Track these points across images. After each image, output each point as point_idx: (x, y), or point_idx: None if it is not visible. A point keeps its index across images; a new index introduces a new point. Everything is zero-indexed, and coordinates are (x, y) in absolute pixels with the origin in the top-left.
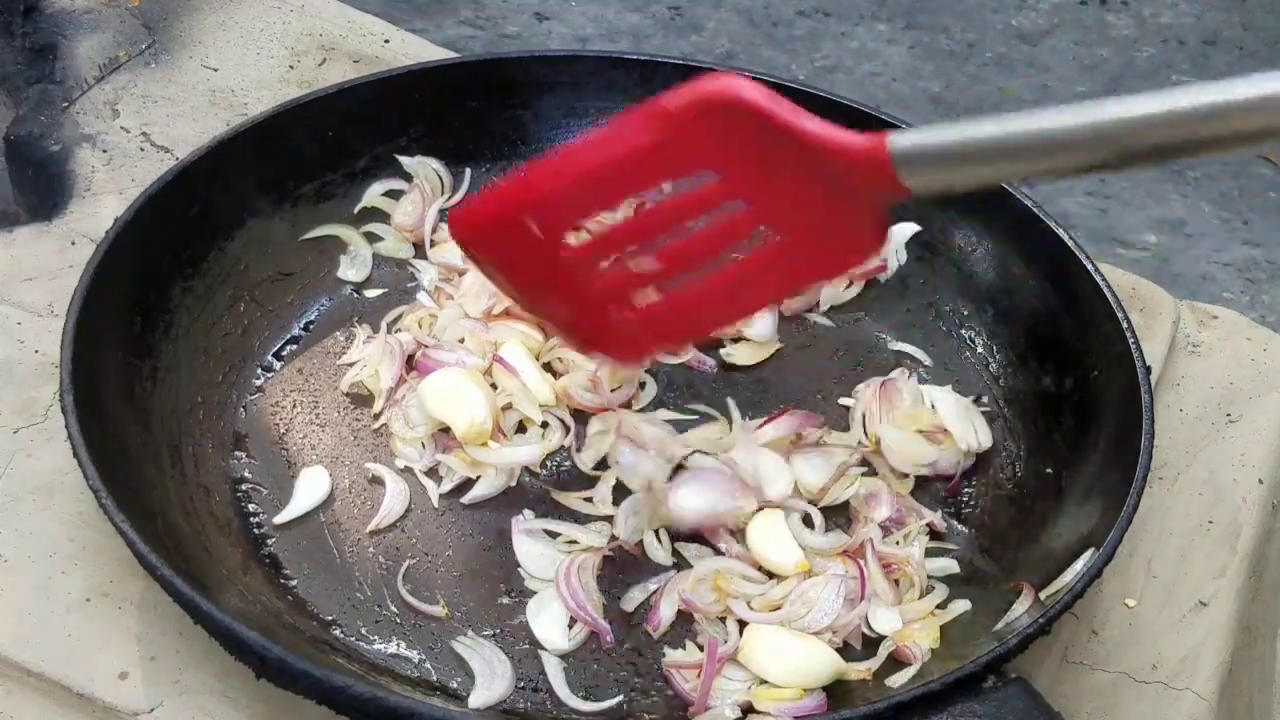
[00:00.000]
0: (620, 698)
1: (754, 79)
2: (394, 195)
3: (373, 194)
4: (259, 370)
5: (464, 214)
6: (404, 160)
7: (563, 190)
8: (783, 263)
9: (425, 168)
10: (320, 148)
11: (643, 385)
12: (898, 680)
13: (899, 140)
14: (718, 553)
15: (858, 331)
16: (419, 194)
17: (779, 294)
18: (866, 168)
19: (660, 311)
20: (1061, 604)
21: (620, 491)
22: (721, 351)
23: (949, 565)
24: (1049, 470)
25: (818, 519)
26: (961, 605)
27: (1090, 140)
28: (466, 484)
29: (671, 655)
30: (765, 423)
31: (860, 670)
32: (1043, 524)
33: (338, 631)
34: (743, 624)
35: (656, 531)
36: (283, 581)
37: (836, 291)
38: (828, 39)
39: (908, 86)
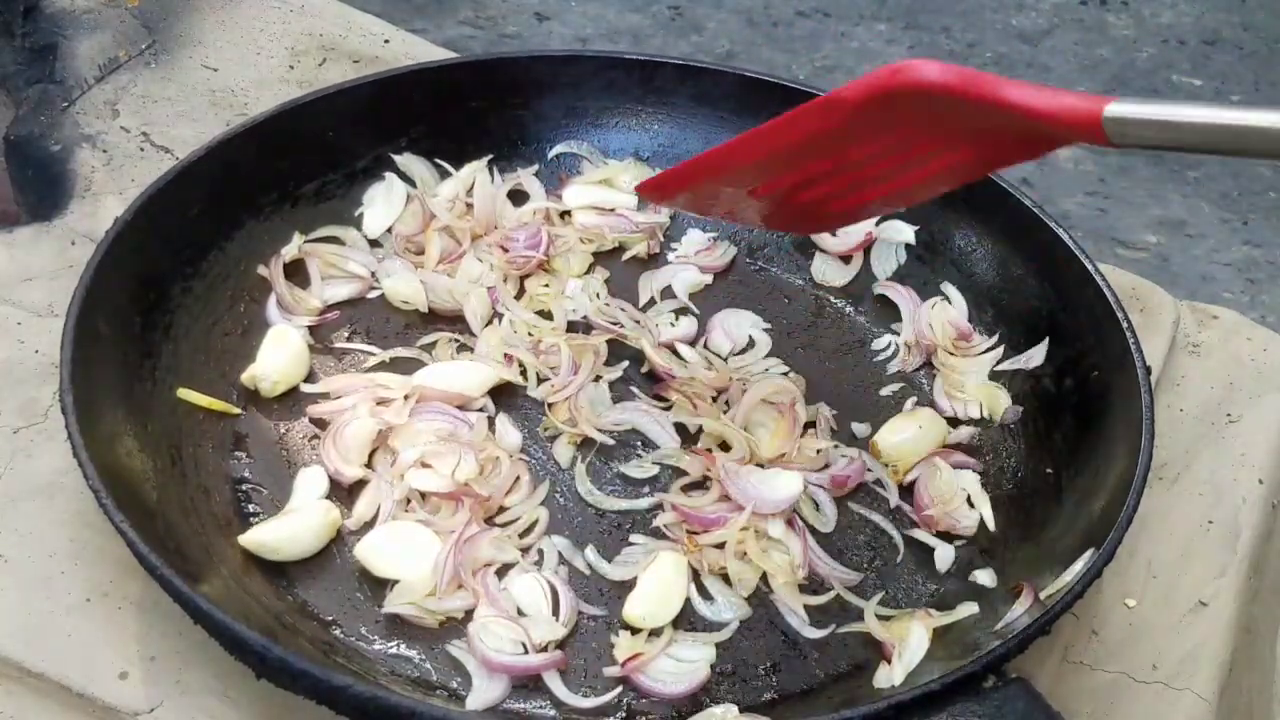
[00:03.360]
0: (618, 695)
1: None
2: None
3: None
4: None
5: (655, 184)
6: (395, 159)
7: (754, 167)
8: (945, 170)
9: (417, 165)
10: (320, 148)
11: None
12: (890, 675)
13: (1114, 109)
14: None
15: (857, 330)
16: (419, 204)
17: (934, 188)
18: (1077, 127)
19: (832, 201)
20: (1061, 604)
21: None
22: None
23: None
24: (1049, 470)
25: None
26: (968, 608)
27: None
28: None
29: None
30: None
31: None
32: (1043, 524)
33: (338, 631)
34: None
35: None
36: (283, 581)
37: (837, 270)
38: (828, 39)
39: None
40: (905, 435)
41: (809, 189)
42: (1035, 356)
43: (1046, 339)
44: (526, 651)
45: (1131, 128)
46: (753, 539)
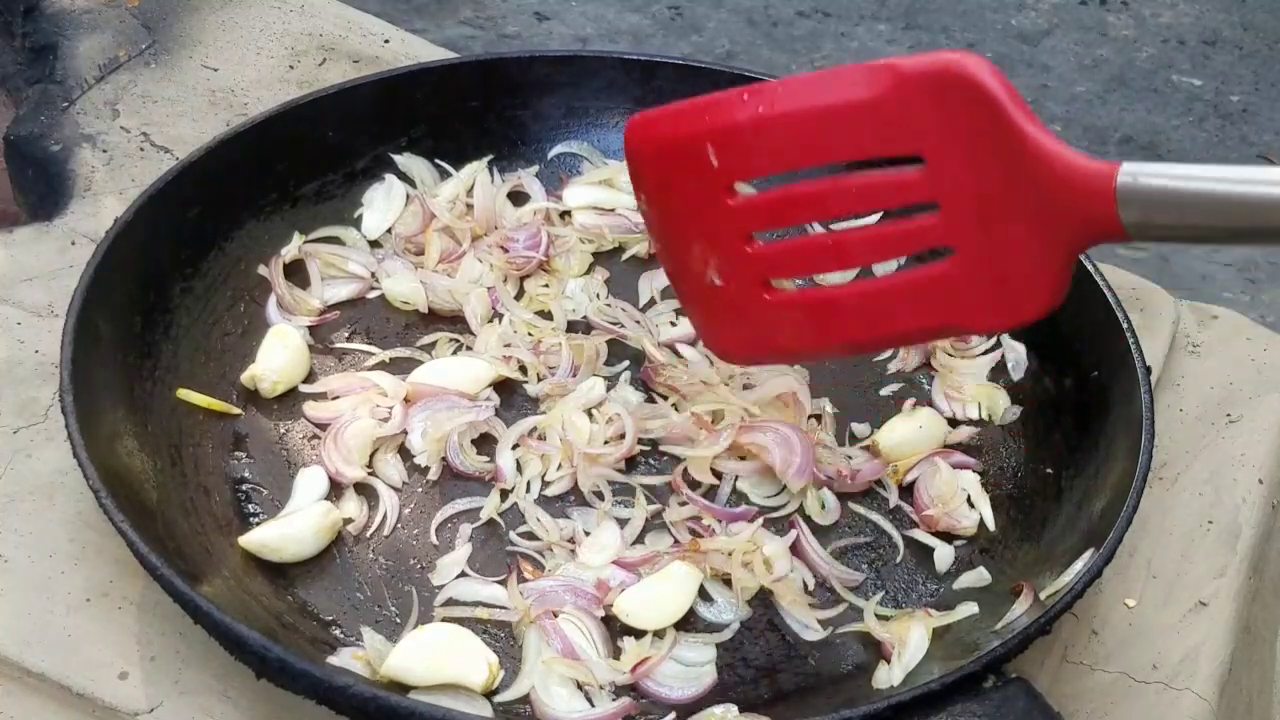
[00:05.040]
0: (621, 696)
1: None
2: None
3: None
4: None
5: (644, 121)
6: (395, 159)
7: (761, 126)
8: (943, 290)
9: (417, 165)
10: (320, 148)
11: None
12: (890, 675)
13: (1130, 170)
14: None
15: None
16: (419, 204)
17: (922, 327)
18: (1085, 191)
19: (791, 305)
20: (1061, 604)
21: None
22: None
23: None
24: (1049, 470)
25: None
26: (968, 609)
27: None
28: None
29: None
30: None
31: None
32: (1043, 524)
33: (338, 631)
34: None
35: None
36: (283, 581)
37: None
38: (828, 39)
39: None
40: (905, 435)
41: (792, 219)
42: (1019, 368)
43: (1024, 348)
44: (588, 698)
45: (1150, 195)
46: (759, 558)
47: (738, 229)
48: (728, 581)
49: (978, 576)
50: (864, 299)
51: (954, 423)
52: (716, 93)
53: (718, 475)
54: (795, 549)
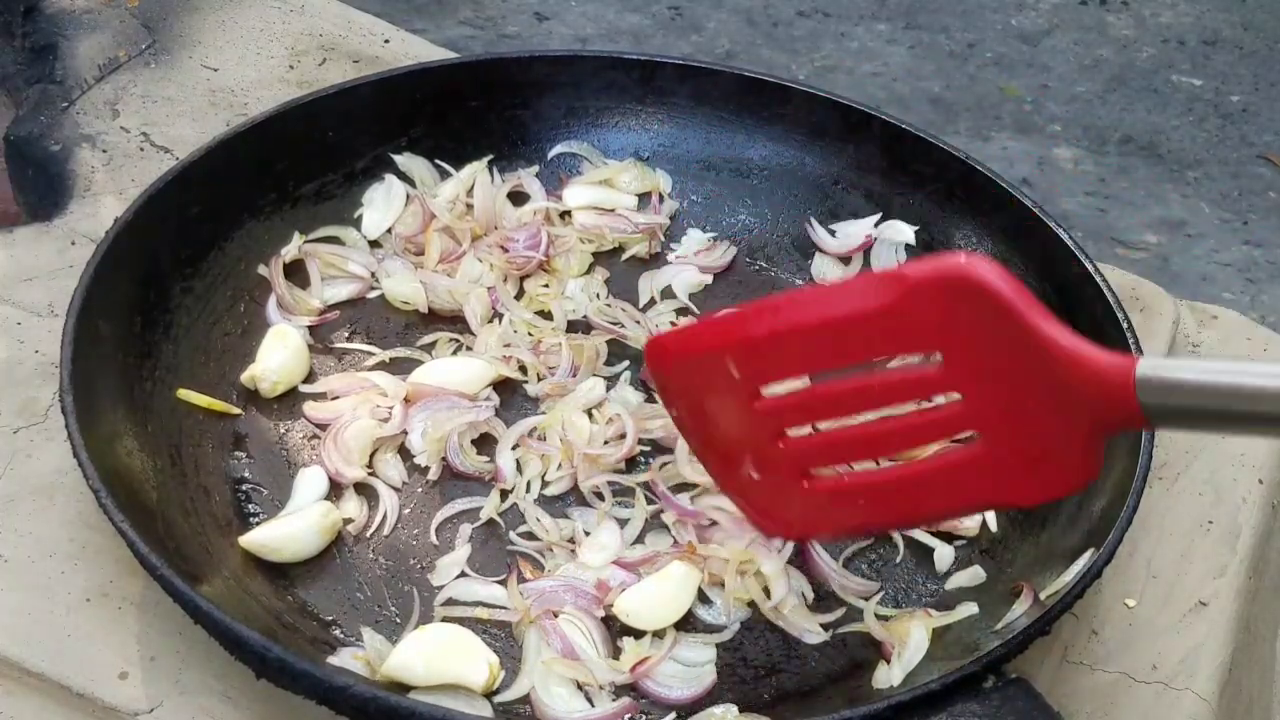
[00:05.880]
0: (621, 697)
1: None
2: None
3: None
4: None
5: (665, 340)
6: (395, 159)
7: (776, 338)
8: (976, 471)
9: (417, 165)
10: (320, 148)
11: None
12: (890, 675)
13: (1149, 366)
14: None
15: None
16: (419, 204)
17: (961, 506)
18: (1105, 384)
19: (831, 492)
20: (1061, 604)
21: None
22: None
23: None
24: None
25: None
26: (968, 609)
27: None
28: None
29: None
30: None
31: None
32: (1043, 524)
33: (338, 631)
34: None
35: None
36: (283, 581)
37: (836, 270)
38: (828, 39)
39: (908, 86)
40: None
41: (820, 417)
42: None
43: None
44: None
45: (1169, 389)
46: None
47: (768, 428)
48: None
49: (972, 575)
50: (902, 483)
51: None
52: (730, 311)
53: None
54: (805, 559)
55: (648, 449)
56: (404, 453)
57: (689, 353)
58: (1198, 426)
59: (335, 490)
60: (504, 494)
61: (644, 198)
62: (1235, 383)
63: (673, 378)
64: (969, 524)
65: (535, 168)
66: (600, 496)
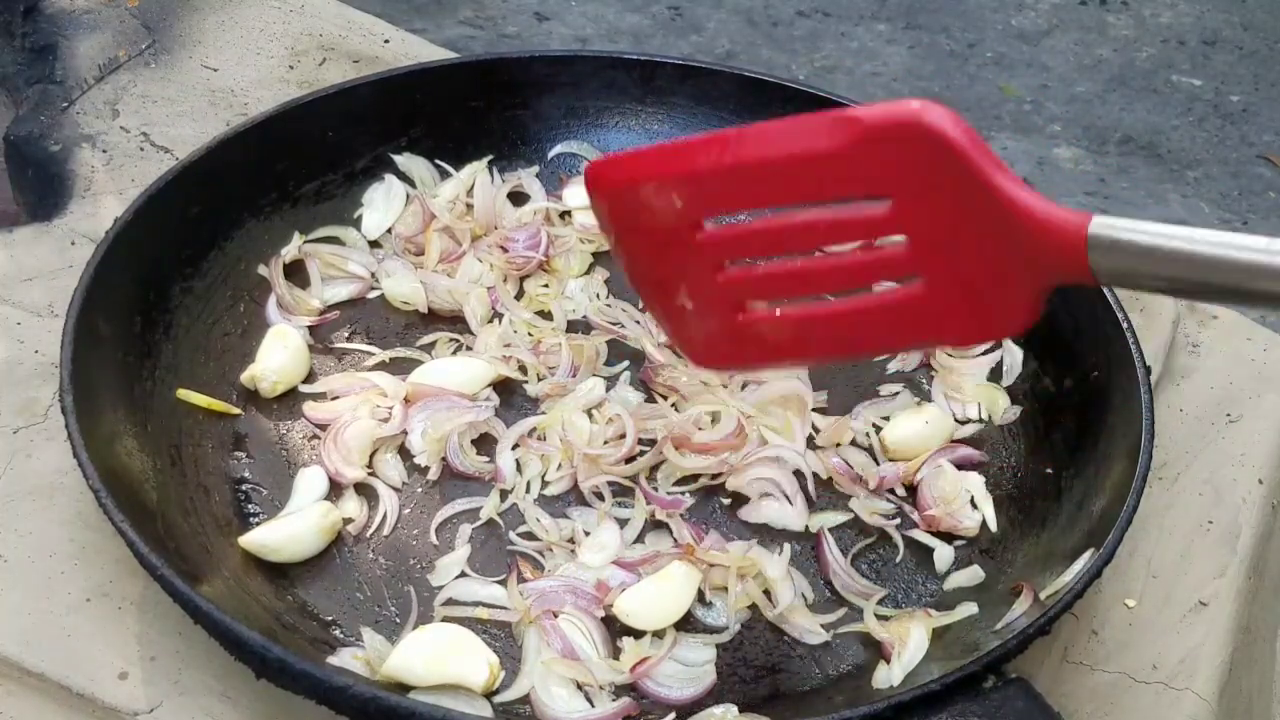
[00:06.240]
0: (621, 696)
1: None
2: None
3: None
4: None
5: (607, 165)
6: (395, 159)
7: (722, 173)
8: (914, 311)
9: (417, 165)
10: (320, 148)
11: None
12: (890, 675)
13: (1102, 224)
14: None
15: None
16: (419, 204)
17: (896, 343)
18: (1057, 241)
19: (770, 324)
20: (1061, 604)
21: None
22: None
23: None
24: (1049, 470)
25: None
26: (968, 609)
27: None
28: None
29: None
30: None
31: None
32: (1043, 524)
33: (338, 631)
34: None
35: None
36: (283, 581)
37: None
38: (828, 39)
39: (908, 86)
40: (911, 431)
41: (760, 253)
42: (1012, 372)
43: (1021, 352)
44: (588, 698)
45: (1121, 250)
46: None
47: (706, 261)
48: (726, 589)
49: (972, 575)
50: (837, 318)
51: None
52: (679, 139)
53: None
54: (818, 558)
55: (647, 449)
56: (404, 453)
57: (632, 179)
58: (1146, 289)
59: (335, 490)
60: (504, 494)
61: None
62: (1184, 249)
63: (613, 204)
64: (969, 524)
65: (535, 168)
66: (600, 496)
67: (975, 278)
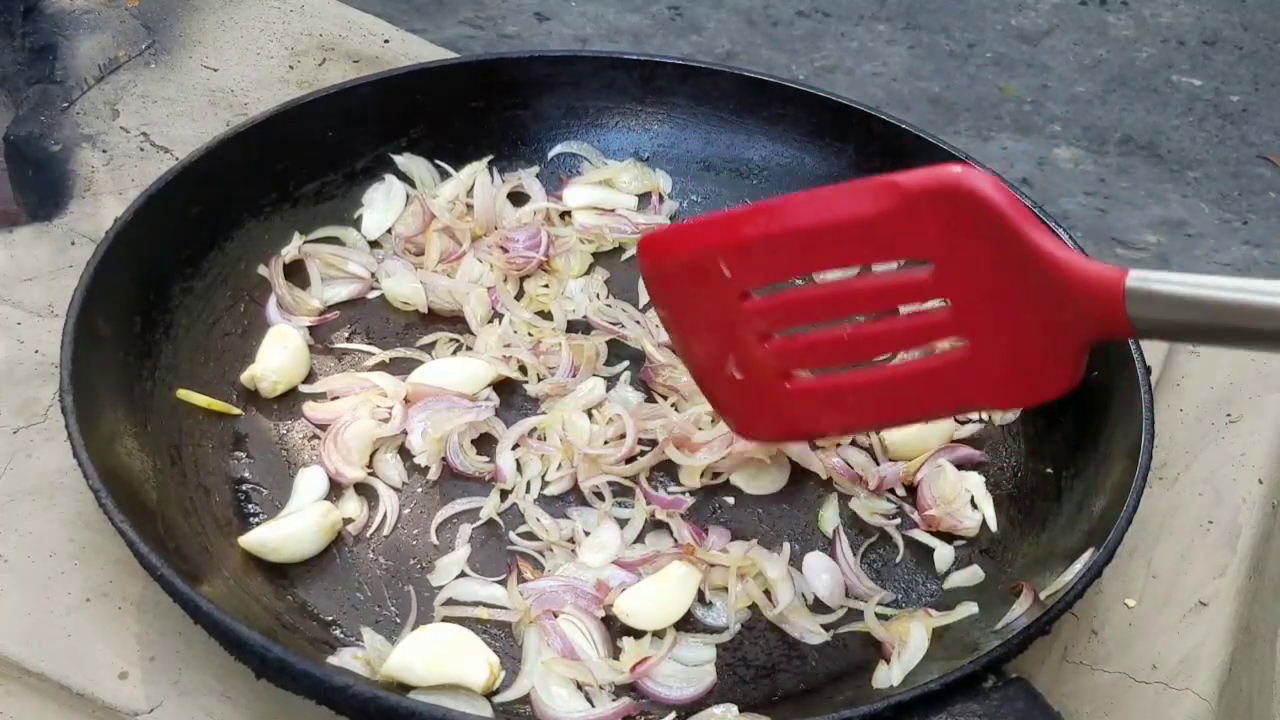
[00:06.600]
0: (621, 697)
1: (966, 170)
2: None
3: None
4: None
5: (657, 239)
6: (395, 159)
7: (769, 240)
8: (959, 375)
9: (417, 165)
10: (320, 148)
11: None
12: (890, 675)
13: (1137, 278)
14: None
15: None
16: (419, 204)
17: (942, 409)
18: (1095, 297)
19: (816, 393)
20: (1061, 604)
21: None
22: None
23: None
24: (1049, 470)
25: None
26: (968, 609)
27: None
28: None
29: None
30: None
31: None
32: (1043, 524)
33: (338, 631)
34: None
35: None
36: (283, 581)
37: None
38: (828, 39)
39: (908, 86)
40: (911, 431)
41: (806, 320)
42: None
43: None
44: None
45: (1158, 301)
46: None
47: (754, 329)
48: (726, 589)
49: (972, 575)
50: (883, 385)
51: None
52: (725, 211)
53: (714, 474)
54: (833, 557)
55: (647, 449)
56: (404, 453)
57: (681, 250)
58: (1183, 338)
59: (335, 490)
60: (504, 494)
61: (644, 198)
62: (1219, 297)
63: (663, 275)
64: (969, 524)
65: (535, 168)
66: (600, 496)
67: (1018, 337)
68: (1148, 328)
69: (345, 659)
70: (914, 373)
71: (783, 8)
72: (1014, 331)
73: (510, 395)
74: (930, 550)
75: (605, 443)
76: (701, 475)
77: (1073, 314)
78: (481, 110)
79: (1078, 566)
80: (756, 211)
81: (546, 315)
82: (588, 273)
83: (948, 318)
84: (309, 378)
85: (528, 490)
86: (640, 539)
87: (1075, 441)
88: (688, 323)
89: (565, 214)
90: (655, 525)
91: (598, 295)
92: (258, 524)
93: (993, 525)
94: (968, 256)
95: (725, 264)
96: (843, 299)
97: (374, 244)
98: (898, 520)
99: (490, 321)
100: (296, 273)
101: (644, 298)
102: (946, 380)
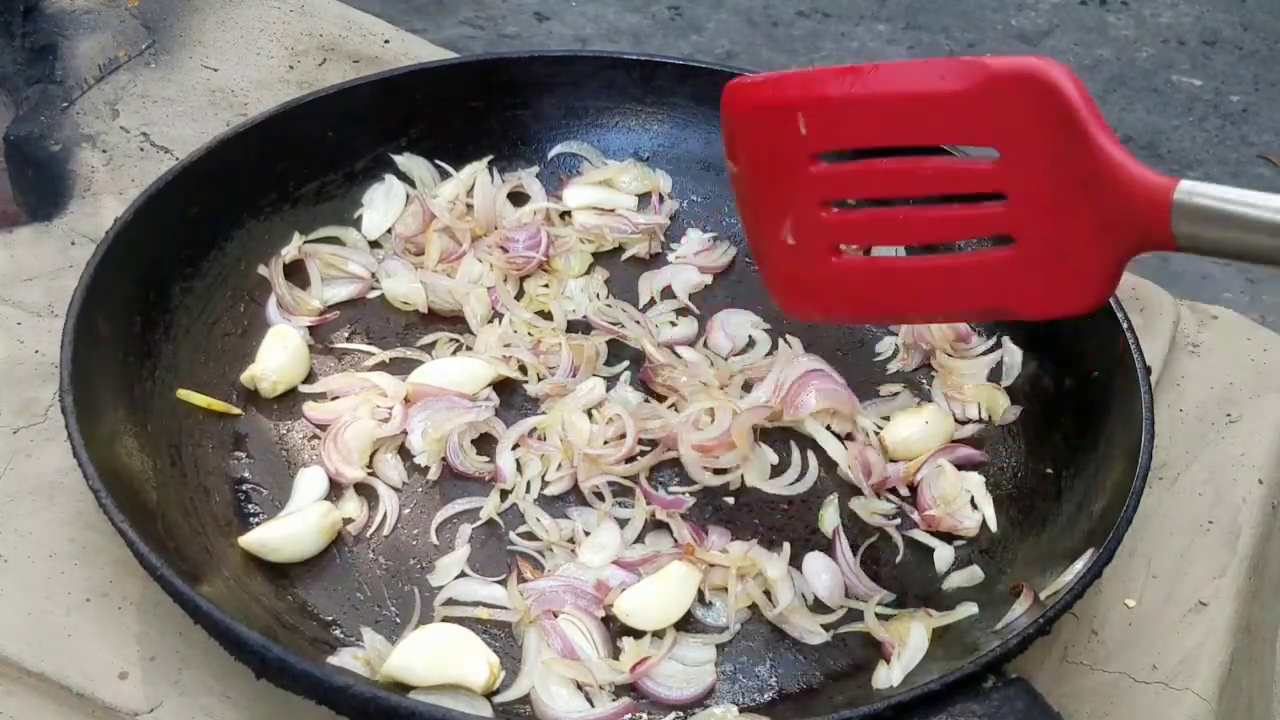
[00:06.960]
0: (621, 696)
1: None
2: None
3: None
4: None
5: (743, 85)
6: (395, 159)
7: (851, 103)
8: (1001, 274)
9: (417, 165)
10: (320, 148)
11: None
12: (890, 675)
13: (1186, 190)
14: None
15: (857, 330)
16: (419, 204)
17: (979, 305)
18: (1145, 201)
19: (860, 272)
20: (1061, 604)
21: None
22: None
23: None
24: (1049, 470)
25: None
26: (968, 609)
27: None
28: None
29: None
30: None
31: None
32: (1043, 524)
33: (338, 631)
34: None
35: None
36: (283, 581)
37: None
38: (828, 39)
39: None
40: (912, 430)
41: (869, 192)
42: (1011, 371)
43: (1020, 352)
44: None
45: (1202, 216)
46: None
47: (816, 195)
48: (726, 589)
49: (972, 575)
50: (925, 274)
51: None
52: (815, 68)
53: (720, 471)
54: (833, 557)
55: (647, 449)
56: (404, 453)
57: (765, 99)
58: (1225, 254)
59: (335, 490)
60: (504, 494)
61: (644, 198)
62: (1263, 217)
63: (742, 124)
64: (969, 524)
65: (535, 168)
66: (600, 496)
67: (1065, 240)
68: (1190, 241)
69: (345, 659)
70: (955, 266)
71: (783, 8)
72: (1062, 234)
73: (510, 395)
74: (930, 550)
75: (605, 443)
76: (705, 469)
77: (1121, 220)
78: (481, 110)
79: (1078, 566)
80: (844, 72)
81: (546, 315)
82: (588, 273)
83: (1002, 211)
84: (309, 378)
85: (528, 490)
86: (640, 539)
87: (1075, 441)
88: (756, 178)
89: (565, 214)
90: (655, 525)
91: (598, 295)
92: (258, 524)
93: (993, 525)
94: (1035, 149)
95: (804, 120)
96: (905, 176)
97: (374, 244)
98: (898, 520)
99: (490, 321)
100: (296, 273)
101: (644, 297)
102: (986, 278)
